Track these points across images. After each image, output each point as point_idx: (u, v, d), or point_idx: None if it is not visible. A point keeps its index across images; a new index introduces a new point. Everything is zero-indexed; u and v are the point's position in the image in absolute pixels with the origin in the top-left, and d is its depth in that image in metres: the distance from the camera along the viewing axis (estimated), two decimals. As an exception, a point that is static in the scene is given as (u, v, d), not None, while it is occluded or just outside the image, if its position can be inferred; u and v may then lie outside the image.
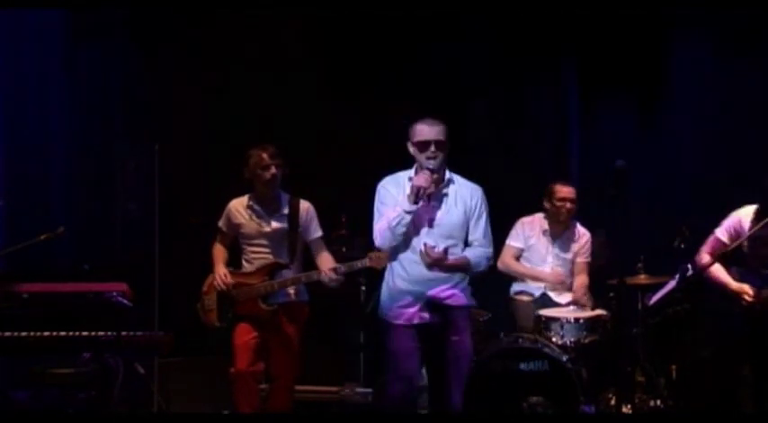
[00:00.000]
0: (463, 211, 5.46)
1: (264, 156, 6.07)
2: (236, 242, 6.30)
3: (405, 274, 5.44)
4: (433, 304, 5.40)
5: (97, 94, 7.50)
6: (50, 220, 6.72)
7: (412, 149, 5.47)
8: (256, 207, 6.20)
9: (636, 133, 8.01)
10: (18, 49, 7.23)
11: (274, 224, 6.17)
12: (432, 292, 5.40)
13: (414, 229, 5.41)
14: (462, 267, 5.47)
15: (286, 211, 6.20)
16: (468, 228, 5.50)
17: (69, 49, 7.45)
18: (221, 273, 6.18)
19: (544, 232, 7.04)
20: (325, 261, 6.13)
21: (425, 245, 5.36)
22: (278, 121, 7.41)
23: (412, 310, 5.43)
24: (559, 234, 7.03)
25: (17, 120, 7.22)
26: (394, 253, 5.48)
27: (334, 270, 5.96)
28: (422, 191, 5.31)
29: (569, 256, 7.03)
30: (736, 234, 5.65)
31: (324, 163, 7.71)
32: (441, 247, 5.37)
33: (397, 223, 5.35)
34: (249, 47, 7.75)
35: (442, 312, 5.41)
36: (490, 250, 5.59)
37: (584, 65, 8.03)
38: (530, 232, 7.06)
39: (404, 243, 5.43)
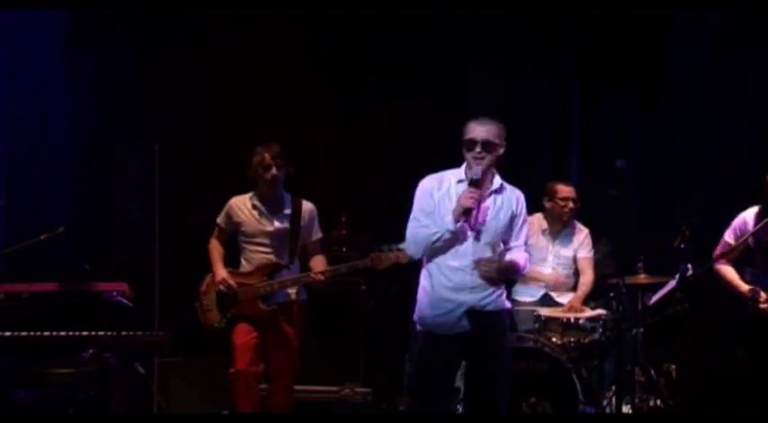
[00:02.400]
0: (510, 218, 5.19)
1: (266, 155, 6.07)
2: (233, 240, 6.29)
3: (447, 281, 5.13)
4: (474, 312, 5.11)
5: (97, 93, 7.50)
6: (50, 220, 6.72)
7: (463, 148, 5.15)
8: (259, 205, 6.19)
9: (636, 133, 8.01)
10: (18, 49, 7.23)
11: (276, 224, 6.17)
12: (474, 300, 5.10)
13: (459, 236, 5.10)
14: (512, 271, 5.24)
15: (288, 211, 6.20)
16: (510, 232, 5.22)
17: (69, 49, 7.45)
18: (223, 276, 6.17)
19: (543, 232, 7.04)
20: (318, 264, 6.17)
21: (480, 261, 5.08)
22: (278, 120, 7.41)
23: (453, 318, 5.12)
24: (558, 232, 7.03)
25: (17, 120, 7.22)
26: (431, 258, 5.18)
27: (323, 273, 6.03)
28: (470, 212, 5.03)
29: (570, 253, 7.03)
30: (741, 235, 5.65)
31: (324, 162, 7.71)
32: (486, 255, 5.13)
33: (437, 240, 5.08)
34: (249, 47, 7.76)
35: (483, 320, 5.12)
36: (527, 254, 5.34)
37: (584, 65, 8.03)
38: (529, 232, 7.04)
39: (445, 249, 5.12)
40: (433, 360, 5.14)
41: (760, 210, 5.67)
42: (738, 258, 5.90)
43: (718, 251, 5.83)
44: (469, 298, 5.12)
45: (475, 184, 5.06)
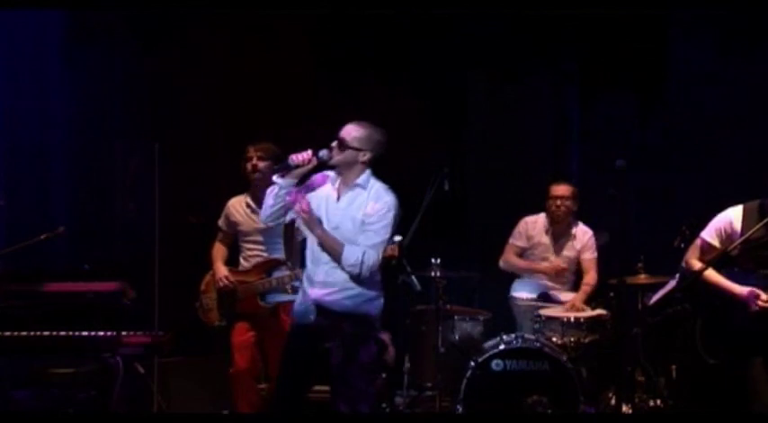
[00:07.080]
0: (359, 219, 5.13)
1: (253, 155, 6.13)
2: (235, 241, 6.31)
3: (306, 272, 5.27)
4: (320, 307, 5.18)
5: (97, 93, 7.50)
6: (50, 220, 6.72)
7: None
8: (252, 204, 6.22)
9: (636, 133, 8.01)
10: (18, 49, 7.22)
11: (270, 221, 6.19)
12: (317, 295, 5.16)
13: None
14: (333, 248, 5.10)
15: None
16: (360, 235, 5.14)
17: (69, 49, 7.45)
18: (222, 273, 6.18)
19: (546, 231, 7.06)
20: None
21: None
22: (278, 119, 7.41)
23: (303, 308, 5.24)
24: (561, 233, 7.05)
25: (17, 120, 7.22)
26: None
27: None
28: (288, 166, 5.09)
29: (572, 254, 7.05)
30: (727, 236, 5.49)
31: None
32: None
33: (271, 193, 5.14)
34: (249, 46, 7.75)
35: (329, 317, 5.16)
36: (368, 257, 5.07)
37: (584, 64, 8.03)
38: (532, 231, 7.09)
39: (304, 245, 5.28)
40: (286, 349, 5.28)
41: (746, 209, 5.47)
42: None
43: (697, 254, 5.58)
44: (314, 291, 5.18)
45: (319, 159, 5.15)
